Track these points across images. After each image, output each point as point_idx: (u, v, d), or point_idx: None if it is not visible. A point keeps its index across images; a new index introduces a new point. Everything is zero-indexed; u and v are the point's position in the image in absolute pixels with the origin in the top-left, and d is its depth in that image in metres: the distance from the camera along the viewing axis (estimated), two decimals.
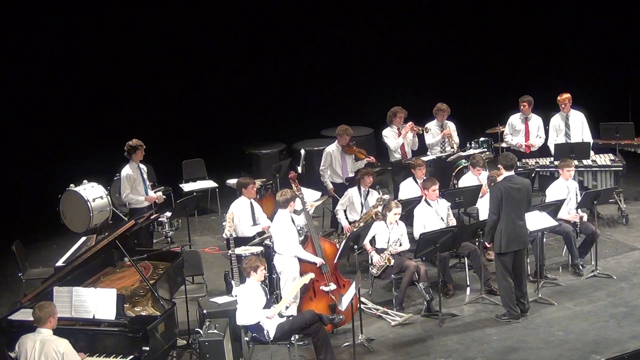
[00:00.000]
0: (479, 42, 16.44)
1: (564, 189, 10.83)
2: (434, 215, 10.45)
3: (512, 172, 9.51)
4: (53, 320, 7.43)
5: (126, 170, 11.14)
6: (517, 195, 9.35)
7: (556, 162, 11.78)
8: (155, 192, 11.87)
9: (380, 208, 10.67)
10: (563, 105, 12.47)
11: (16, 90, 13.84)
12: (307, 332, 8.62)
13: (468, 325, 9.51)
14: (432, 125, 12.55)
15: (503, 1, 16.47)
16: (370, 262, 10.27)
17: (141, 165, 11.32)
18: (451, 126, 12.63)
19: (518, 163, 12.25)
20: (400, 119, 12.30)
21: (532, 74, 15.59)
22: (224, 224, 10.10)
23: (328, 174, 11.99)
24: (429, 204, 10.51)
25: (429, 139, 12.53)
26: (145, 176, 11.39)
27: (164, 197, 11.90)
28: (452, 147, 12.52)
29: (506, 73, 15.96)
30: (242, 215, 10.50)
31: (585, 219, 10.79)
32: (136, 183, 11.19)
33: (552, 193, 10.88)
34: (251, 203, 10.69)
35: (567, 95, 12.47)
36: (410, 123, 12.36)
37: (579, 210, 10.78)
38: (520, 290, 9.59)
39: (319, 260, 9.40)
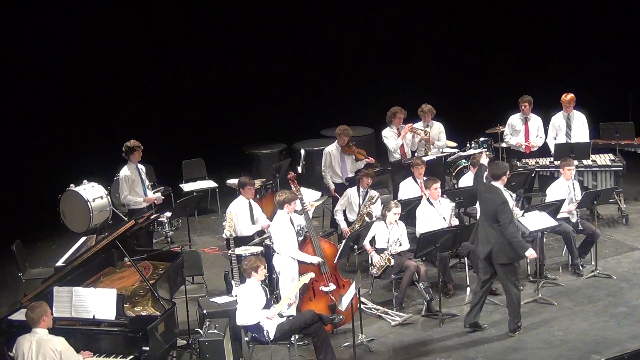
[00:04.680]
0: (479, 42, 16.43)
1: (565, 188, 10.83)
2: (436, 214, 10.44)
3: (497, 182, 9.24)
4: (47, 319, 7.45)
5: (124, 172, 11.16)
6: (486, 204, 9.25)
7: (556, 162, 11.79)
8: (154, 193, 11.89)
9: (372, 208, 10.67)
10: (567, 106, 12.47)
11: (16, 90, 13.83)
12: (307, 332, 8.62)
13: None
14: (417, 127, 12.55)
15: (504, 1, 16.46)
16: (370, 262, 10.27)
17: (140, 165, 11.33)
18: (438, 127, 12.63)
19: (518, 163, 12.34)
20: (400, 119, 12.30)
21: (532, 74, 15.59)
22: (224, 224, 10.10)
23: (329, 174, 11.99)
24: (431, 203, 10.51)
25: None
26: (144, 176, 11.39)
27: (163, 197, 11.89)
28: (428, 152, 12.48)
29: (506, 73, 15.95)
30: (240, 215, 10.50)
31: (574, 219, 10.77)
32: (134, 184, 11.20)
33: (553, 193, 10.86)
34: (250, 203, 10.69)
35: (571, 96, 12.46)
36: (409, 125, 12.35)
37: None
38: None
39: (316, 260, 9.40)
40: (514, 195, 10.77)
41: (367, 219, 10.55)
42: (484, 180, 10.47)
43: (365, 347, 9.07)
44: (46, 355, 7.29)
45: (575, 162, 11.84)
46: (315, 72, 15.99)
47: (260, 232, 10.53)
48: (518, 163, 12.40)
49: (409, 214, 10.88)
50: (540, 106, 12.96)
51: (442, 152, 12.68)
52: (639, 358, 8.72)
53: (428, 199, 10.56)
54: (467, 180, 11.47)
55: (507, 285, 9.20)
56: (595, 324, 9.39)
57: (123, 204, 11.59)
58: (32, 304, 7.52)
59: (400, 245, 10.15)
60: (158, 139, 13.70)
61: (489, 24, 16.44)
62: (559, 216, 10.39)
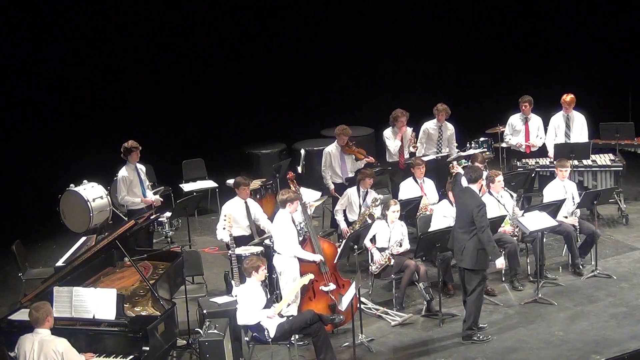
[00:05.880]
0: (479, 42, 16.43)
1: (561, 189, 10.84)
2: (452, 214, 10.35)
3: (472, 185, 9.24)
4: (51, 320, 7.44)
5: (122, 173, 11.16)
6: (463, 209, 9.15)
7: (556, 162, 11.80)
8: (154, 193, 11.88)
9: (375, 210, 10.66)
10: (567, 106, 12.47)
11: (16, 90, 13.83)
12: (307, 332, 8.63)
13: None
14: (430, 125, 12.56)
15: (504, 1, 16.46)
16: (370, 259, 10.27)
17: (139, 166, 11.32)
18: (451, 128, 12.63)
19: (518, 163, 12.34)
20: (403, 122, 12.29)
21: (532, 74, 15.59)
22: (217, 225, 10.12)
23: (329, 174, 11.99)
24: (451, 203, 10.43)
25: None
26: (143, 177, 11.38)
27: (161, 200, 11.85)
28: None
29: (506, 73, 15.96)
30: (236, 215, 10.45)
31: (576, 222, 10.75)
32: (132, 185, 11.20)
33: (549, 193, 10.89)
34: (246, 203, 10.67)
35: (571, 97, 12.46)
36: (408, 133, 12.30)
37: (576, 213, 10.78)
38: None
39: (318, 258, 9.40)
40: (514, 195, 10.77)
41: (368, 219, 10.54)
42: (485, 183, 10.46)
43: (365, 347, 9.07)
44: (47, 356, 7.27)
45: (575, 162, 11.90)
46: (315, 72, 15.98)
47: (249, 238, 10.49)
48: (518, 163, 12.40)
49: (409, 214, 10.88)
50: (540, 106, 12.96)
51: (443, 152, 12.65)
52: (639, 358, 8.71)
53: (449, 200, 10.49)
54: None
55: (474, 294, 9.15)
56: (595, 324, 9.39)
57: (121, 204, 11.60)
58: (36, 304, 7.50)
59: (401, 246, 10.15)
60: (158, 139, 13.70)
61: (489, 23, 16.44)
62: (561, 218, 10.42)
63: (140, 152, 11.25)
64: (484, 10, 16.41)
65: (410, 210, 10.91)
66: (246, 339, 8.72)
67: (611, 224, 12.28)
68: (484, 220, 8.91)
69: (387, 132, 12.41)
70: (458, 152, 12.77)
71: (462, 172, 10.02)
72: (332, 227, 11.89)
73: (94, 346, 7.80)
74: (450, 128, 12.64)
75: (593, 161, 12.26)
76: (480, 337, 9.14)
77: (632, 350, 8.75)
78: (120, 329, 7.83)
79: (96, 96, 14.55)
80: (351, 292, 8.70)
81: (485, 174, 11.22)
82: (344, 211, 11.27)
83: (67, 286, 8.02)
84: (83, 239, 10.58)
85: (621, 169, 12.21)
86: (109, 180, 12.56)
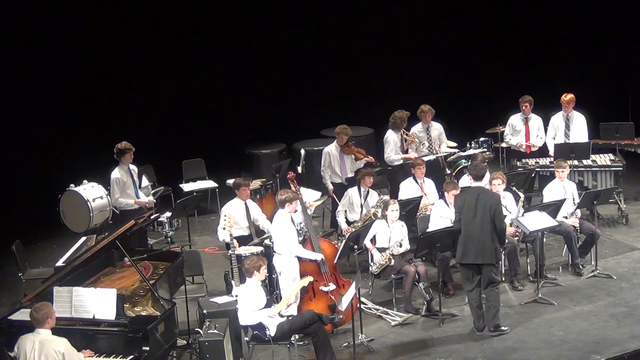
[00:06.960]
0: (479, 42, 16.43)
1: (560, 189, 10.84)
2: (449, 215, 10.35)
3: (480, 183, 9.37)
4: (51, 321, 7.43)
5: (115, 174, 11.15)
6: (477, 207, 9.09)
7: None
8: (153, 194, 11.85)
9: (379, 210, 10.66)
10: (566, 106, 12.47)
11: (16, 89, 13.83)
12: (307, 332, 8.64)
13: (468, 325, 9.49)
14: (417, 128, 12.55)
15: (503, 1, 16.46)
16: (370, 259, 10.27)
17: (131, 167, 11.31)
18: (438, 127, 12.62)
19: (518, 163, 12.34)
20: (404, 122, 12.27)
21: (532, 74, 15.58)
22: (218, 227, 10.11)
23: (328, 174, 11.98)
24: (447, 205, 10.42)
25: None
26: (135, 178, 11.37)
27: (154, 201, 11.82)
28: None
29: (506, 73, 15.96)
30: (236, 216, 10.45)
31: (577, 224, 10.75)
32: (126, 186, 11.20)
33: (549, 193, 10.89)
34: (246, 204, 10.67)
35: (571, 96, 12.46)
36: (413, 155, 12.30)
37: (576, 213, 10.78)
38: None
39: (319, 256, 9.39)
40: (522, 195, 10.70)
41: (373, 218, 10.53)
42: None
43: (365, 347, 9.08)
44: (48, 356, 7.27)
45: (575, 162, 11.89)
46: (315, 71, 15.98)
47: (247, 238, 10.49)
48: (518, 163, 12.40)
49: (409, 214, 10.87)
50: (540, 106, 12.96)
51: (442, 152, 12.65)
52: (639, 358, 8.72)
53: (446, 201, 10.46)
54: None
55: (499, 285, 9.32)
56: (595, 324, 9.39)
57: (114, 206, 11.57)
58: (37, 305, 7.49)
59: (401, 246, 10.14)
60: (158, 139, 13.70)
61: (489, 23, 16.43)
62: (561, 219, 10.41)
63: (140, 152, 11.25)
64: (484, 10, 16.40)
65: (410, 210, 10.91)
66: (246, 339, 8.72)
67: (611, 224, 12.28)
68: (502, 213, 9.21)
69: (391, 135, 12.29)
70: (458, 152, 12.76)
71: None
72: (332, 227, 11.88)
73: (94, 346, 7.79)
74: (437, 127, 12.62)
75: (593, 161, 12.26)
76: (505, 329, 9.23)
77: (632, 350, 8.75)
78: (120, 329, 7.83)
79: (96, 96, 14.55)
80: (351, 292, 8.70)
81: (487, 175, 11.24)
82: (345, 211, 11.27)
83: (67, 286, 8.02)
84: (83, 239, 10.57)
85: (621, 169, 12.21)
86: (109, 180, 12.53)
